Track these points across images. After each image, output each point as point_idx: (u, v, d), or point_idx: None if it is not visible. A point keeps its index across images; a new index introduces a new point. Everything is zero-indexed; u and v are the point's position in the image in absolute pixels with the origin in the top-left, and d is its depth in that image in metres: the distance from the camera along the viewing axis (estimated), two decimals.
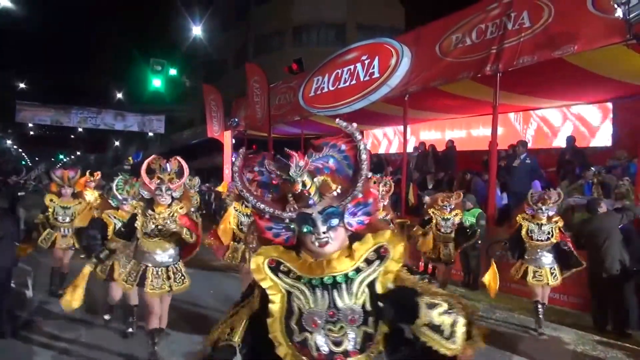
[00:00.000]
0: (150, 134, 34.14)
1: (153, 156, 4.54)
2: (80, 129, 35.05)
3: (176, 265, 4.45)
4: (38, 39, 40.51)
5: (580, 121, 10.68)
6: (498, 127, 8.28)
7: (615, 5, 5.70)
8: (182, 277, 4.46)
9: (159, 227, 4.21)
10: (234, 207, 5.79)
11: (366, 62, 10.56)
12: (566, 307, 6.68)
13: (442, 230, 6.60)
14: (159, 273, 4.31)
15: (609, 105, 10.03)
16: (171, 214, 4.25)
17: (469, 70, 8.16)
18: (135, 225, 4.26)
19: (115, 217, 5.27)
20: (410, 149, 12.24)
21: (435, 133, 13.98)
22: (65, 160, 62.82)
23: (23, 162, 47.85)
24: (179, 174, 4.43)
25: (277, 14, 28.66)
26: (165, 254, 4.37)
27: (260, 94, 14.77)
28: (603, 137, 10.25)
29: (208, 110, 18.95)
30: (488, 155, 8.97)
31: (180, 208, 4.32)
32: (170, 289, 4.36)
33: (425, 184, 11.02)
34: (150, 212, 4.25)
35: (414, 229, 6.91)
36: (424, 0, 22.59)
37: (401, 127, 11.29)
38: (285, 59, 20.00)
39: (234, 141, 18.43)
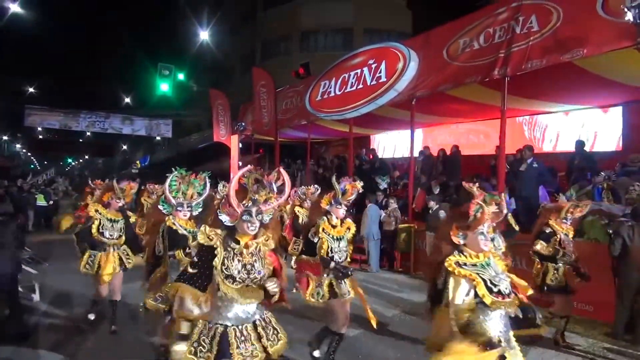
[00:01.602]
0: (158, 138, 34.26)
1: (248, 168, 3.11)
2: (88, 133, 35.28)
3: (264, 317, 3.04)
4: (47, 43, 40.93)
5: (589, 125, 10.58)
6: (506, 131, 8.21)
7: (626, 9, 5.65)
8: (276, 332, 3.03)
9: (248, 267, 2.87)
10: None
11: (373, 66, 10.55)
12: (574, 314, 6.58)
13: (568, 249, 5.29)
14: (245, 333, 2.89)
15: (619, 109, 9.93)
16: (257, 249, 2.95)
17: (476, 75, 8.11)
18: (214, 263, 2.83)
19: (180, 225, 4.30)
20: (416, 153, 12.19)
21: (449, 138, 13.88)
22: (73, 164, 63.33)
23: (32, 166, 48.28)
24: (280, 191, 3.33)
25: (284, 19, 28.76)
26: (251, 305, 2.93)
27: (267, 99, 14.80)
28: (612, 142, 10.15)
29: (215, 115, 19.03)
30: (496, 160, 8.90)
31: (267, 240, 3.00)
32: (266, 353, 2.93)
33: (431, 188, 10.95)
34: (233, 244, 2.88)
35: (537, 247, 5.43)
36: (431, 4, 22.60)
37: (418, 130, 11.24)
38: (292, 63, 20.04)
39: (240, 145, 18.46)
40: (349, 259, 4.63)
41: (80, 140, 43.70)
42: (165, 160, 35.30)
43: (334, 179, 4.65)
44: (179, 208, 4.23)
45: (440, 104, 10.37)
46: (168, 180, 4.20)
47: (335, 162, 15.32)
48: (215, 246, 2.84)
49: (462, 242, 2.83)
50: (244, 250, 2.87)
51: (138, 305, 5.23)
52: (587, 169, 8.68)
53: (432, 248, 3.27)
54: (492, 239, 2.89)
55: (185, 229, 4.26)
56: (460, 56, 8.51)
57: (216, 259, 2.82)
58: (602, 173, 7.98)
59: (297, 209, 7.62)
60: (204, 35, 24.70)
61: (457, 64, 8.56)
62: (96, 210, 5.40)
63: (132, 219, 5.77)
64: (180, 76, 24.32)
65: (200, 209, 4.31)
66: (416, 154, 11.88)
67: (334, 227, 4.49)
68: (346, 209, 4.60)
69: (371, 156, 14.85)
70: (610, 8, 6.21)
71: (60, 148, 46.65)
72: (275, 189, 3.33)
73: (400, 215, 10.29)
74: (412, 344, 5.40)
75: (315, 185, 8.41)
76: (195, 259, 2.87)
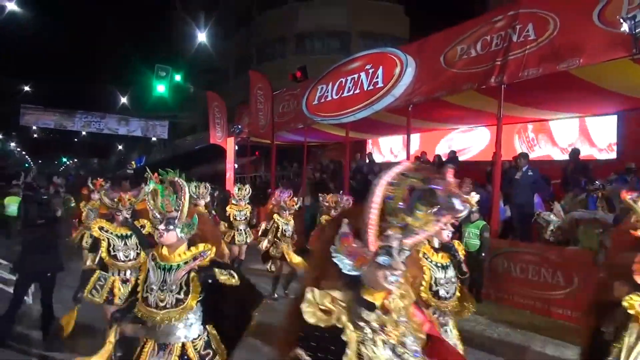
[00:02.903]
0: (154, 139, 34.22)
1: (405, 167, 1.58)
2: (84, 133, 35.16)
3: None
4: (42, 42, 40.84)
5: (584, 134, 10.65)
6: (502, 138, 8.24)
7: (622, 20, 5.69)
8: None
9: (398, 350, 2.02)
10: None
11: (370, 71, 10.56)
12: (570, 322, 6.60)
13: None
14: None
15: (614, 117, 10.01)
16: (401, 311, 1.58)
17: (473, 82, 8.14)
18: None
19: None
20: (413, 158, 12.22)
21: (445, 143, 13.94)
22: (68, 163, 63.06)
23: (27, 165, 48.02)
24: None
25: (280, 21, 28.75)
26: None
27: (264, 102, 14.80)
28: (607, 150, 10.23)
29: (211, 117, 19.00)
30: (492, 166, 8.94)
31: (405, 290, 1.95)
32: None
33: None
34: (365, 314, 1.69)
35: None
36: (428, 10, 22.65)
37: (415, 135, 11.28)
38: (288, 66, 20.07)
39: (236, 147, 18.45)
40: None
41: (76, 140, 43.59)
42: (161, 161, 35.25)
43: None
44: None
45: (437, 110, 10.39)
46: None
47: (331, 166, 15.33)
48: (342, 327, 1.55)
49: None
50: (386, 320, 1.60)
51: None
52: (582, 177, 8.73)
53: (598, 285, 2.55)
54: None
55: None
56: (458, 63, 8.54)
57: (348, 351, 1.51)
58: (597, 182, 8.02)
59: (275, 216, 7.40)
60: (200, 37, 24.71)
61: (454, 70, 8.59)
62: (100, 228, 4.28)
63: (148, 228, 4.44)
64: (177, 77, 24.31)
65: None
66: (413, 159, 11.90)
67: (436, 251, 3.43)
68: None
69: (367, 160, 14.88)
70: (606, 18, 6.26)
71: (56, 148, 46.54)
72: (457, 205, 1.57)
73: None
74: None
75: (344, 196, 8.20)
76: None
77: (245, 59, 30.81)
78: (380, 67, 10.27)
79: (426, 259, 3.32)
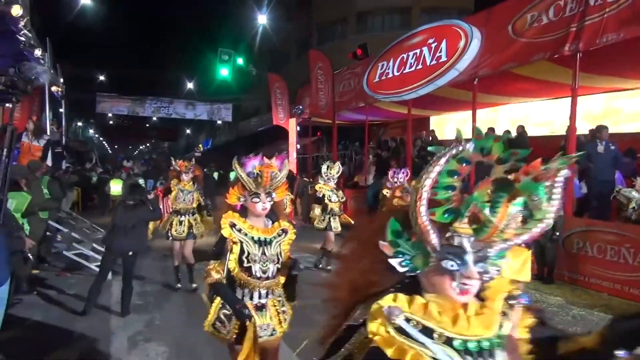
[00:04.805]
0: (219, 122, 35.26)
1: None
2: (154, 118, 36.89)
3: None
4: (113, 33, 42.93)
5: None
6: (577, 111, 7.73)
7: None
8: None
9: None
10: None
11: (433, 45, 10.23)
12: None
13: None
14: None
15: None
16: None
17: (545, 51, 7.68)
18: None
19: None
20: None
21: (514, 118, 13.30)
22: (141, 148, 66.50)
23: (109, 151, 51.21)
24: None
25: (339, 1, 28.37)
26: None
27: (325, 81, 14.77)
28: None
29: (273, 99, 19.28)
30: (565, 141, 8.43)
31: None
32: None
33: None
34: None
35: None
36: None
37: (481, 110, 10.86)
38: (348, 46, 19.80)
39: (298, 128, 18.63)
40: None
41: (147, 125, 45.81)
42: (227, 143, 36.32)
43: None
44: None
45: (505, 83, 9.93)
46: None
47: (393, 144, 15.11)
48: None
49: None
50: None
51: None
52: None
53: None
54: None
55: None
56: (527, 32, 8.07)
57: None
58: None
59: (396, 202, 7.08)
60: (261, 19, 24.92)
61: (524, 40, 8.13)
62: (233, 226, 2.79)
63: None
64: (240, 61, 24.83)
65: None
66: None
67: None
68: None
69: (430, 138, 14.52)
70: None
71: (129, 133, 49.20)
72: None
73: None
74: None
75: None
76: None
77: (306, 40, 30.80)
78: (444, 41, 9.92)
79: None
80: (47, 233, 7.83)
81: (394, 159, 13.96)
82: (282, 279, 2.88)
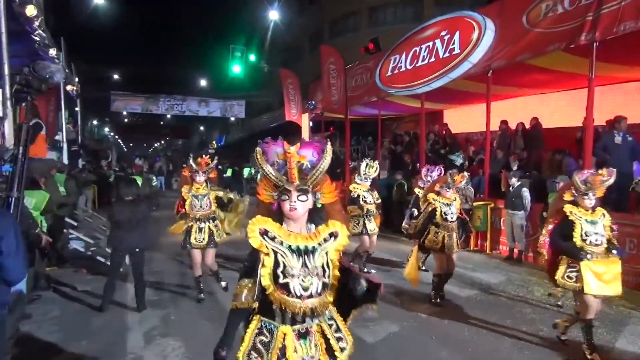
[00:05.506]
0: (232, 118, 35.38)
1: None
2: (168, 116, 37.16)
3: None
4: (125, 31, 43.29)
5: None
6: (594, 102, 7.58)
7: None
8: None
9: None
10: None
11: (446, 38, 10.12)
12: None
13: None
14: None
15: None
16: None
17: (560, 41, 7.54)
18: None
19: None
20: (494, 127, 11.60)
21: (528, 110, 13.12)
22: (155, 145, 67.09)
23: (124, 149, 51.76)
24: None
25: None
26: None
27: (337, 76, 14.72)
28: None
29: (286, 94, 19.29)
30: (582, 133, 8.29)
31: None
32: None
33: (509, 164, 10.42)
34: None
35: None
36: None
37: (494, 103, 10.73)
38: (360, 40, 19.70)
39: (311, 124, 18.61)
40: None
41: (161, 123, 46.17)
42: (240, 140, 36.45)
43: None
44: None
45: (519, 74, 9.78)
46: None
47: (406, 139, 15.02)
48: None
49: None
50: None
51: None
52: None
53: None
54: None
55: None
56: (542, 22, 7.93)
57: None
58: None
59: (431, 196, 6.10)
60: (272, 15, 24.90)
61: (539, 30, 7.99)
62: (265, 234, 2.26)
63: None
64: (252, 57, 24.85)
65: None
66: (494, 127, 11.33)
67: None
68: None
69: (444, 132, 14.40)
70: None
71: (144, 131, 49.67)
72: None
73: (473, 193, 9.88)
74: (487, 324, 5.26)
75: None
76: None
77: (318, 36, 30.72)
78: (457, 33, 9.81)
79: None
80: (64, 230, 7.95)
81: (408, 153, 13.89)
82: (331, 298, 2.27)
